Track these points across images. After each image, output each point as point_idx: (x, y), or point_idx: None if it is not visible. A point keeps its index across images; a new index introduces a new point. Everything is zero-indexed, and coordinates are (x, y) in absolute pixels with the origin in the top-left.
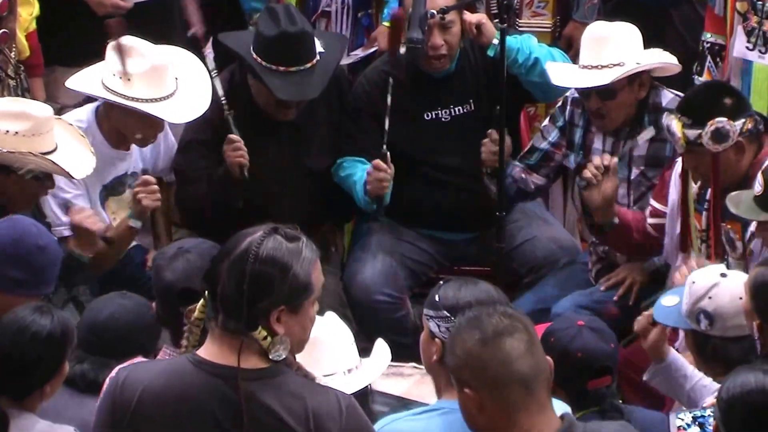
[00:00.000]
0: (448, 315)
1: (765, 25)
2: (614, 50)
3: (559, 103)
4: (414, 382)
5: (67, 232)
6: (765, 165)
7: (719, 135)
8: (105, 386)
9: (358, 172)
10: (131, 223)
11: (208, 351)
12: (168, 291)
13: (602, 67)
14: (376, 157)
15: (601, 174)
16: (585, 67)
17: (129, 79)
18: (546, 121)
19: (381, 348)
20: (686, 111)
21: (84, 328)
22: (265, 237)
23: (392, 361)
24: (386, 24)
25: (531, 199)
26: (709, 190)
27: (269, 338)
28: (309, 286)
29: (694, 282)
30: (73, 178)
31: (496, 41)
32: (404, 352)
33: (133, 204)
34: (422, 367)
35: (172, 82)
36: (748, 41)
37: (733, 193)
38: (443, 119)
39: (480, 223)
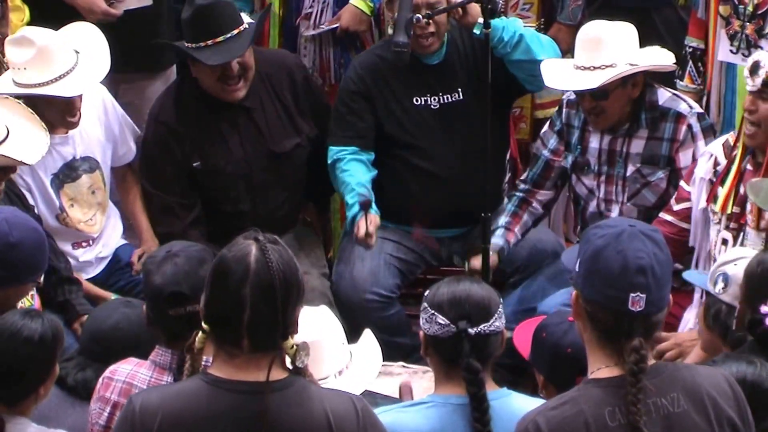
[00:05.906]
0: (426, 306)
1: (747, 29)
2: (607, 51)
3: (556, 108)
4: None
5: None
6: None
7: None
8: (120, 417)
9: (353, 183)
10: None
11: (224, 371)
12: (157, 295)
13: (595, 68)
14: (369, 146)
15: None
16: (578, 67)
17: (25, 69)
18: (545, 128)
19: (370, 343)
20: None
21: (87, 335)
22: (262, 248)
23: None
24: (354, 3)
25: (545, 218)
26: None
27: (294, 346)
28: None
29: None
30: (27, 164)
31: (481, 20)
32: (393, 351)
33: None
34: (411, 366)
35: (68, 58)
36: (731, 45)
37: (754, 180)
38: (432, 106)
39: (467, 219)
